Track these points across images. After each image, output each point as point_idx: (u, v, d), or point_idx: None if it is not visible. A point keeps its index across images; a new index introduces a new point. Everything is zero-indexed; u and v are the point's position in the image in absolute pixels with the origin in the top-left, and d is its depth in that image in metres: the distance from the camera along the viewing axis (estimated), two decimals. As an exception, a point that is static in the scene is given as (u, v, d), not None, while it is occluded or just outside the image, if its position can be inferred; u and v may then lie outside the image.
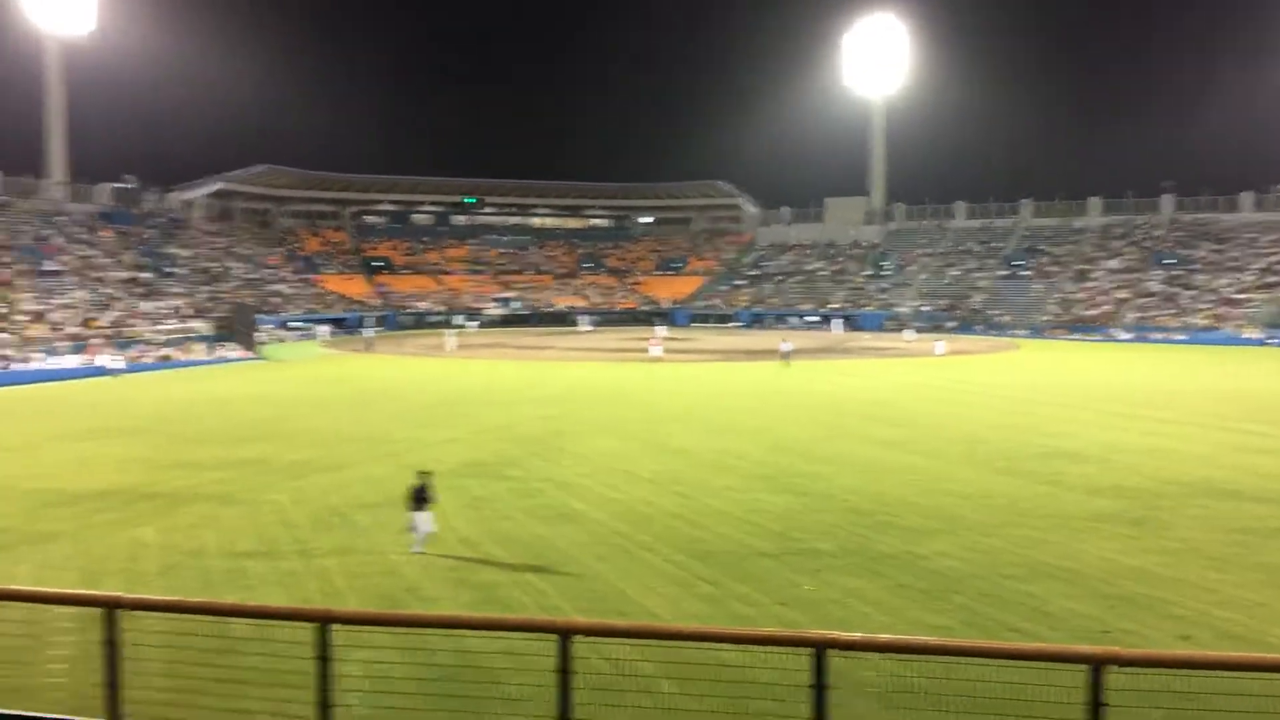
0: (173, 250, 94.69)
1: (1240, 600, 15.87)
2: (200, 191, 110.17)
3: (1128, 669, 7.45)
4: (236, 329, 75.28)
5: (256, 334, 76.07)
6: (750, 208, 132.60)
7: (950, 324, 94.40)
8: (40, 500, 23.70)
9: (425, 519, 19.12)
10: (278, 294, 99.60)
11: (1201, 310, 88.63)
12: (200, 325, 77.08)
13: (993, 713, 7.59)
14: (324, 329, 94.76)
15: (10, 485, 25.64)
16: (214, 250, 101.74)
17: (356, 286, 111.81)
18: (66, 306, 71.14)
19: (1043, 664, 7.89)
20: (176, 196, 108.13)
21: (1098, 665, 7.28)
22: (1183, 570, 17.55)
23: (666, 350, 69.22)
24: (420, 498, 19.07)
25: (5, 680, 9.53)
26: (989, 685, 7.71)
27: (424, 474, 19.55)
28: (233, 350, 71.04)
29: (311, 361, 70.19)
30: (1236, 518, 21.23)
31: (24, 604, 9.53)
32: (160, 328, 73.27)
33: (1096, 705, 7.19)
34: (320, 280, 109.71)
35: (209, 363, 67.19)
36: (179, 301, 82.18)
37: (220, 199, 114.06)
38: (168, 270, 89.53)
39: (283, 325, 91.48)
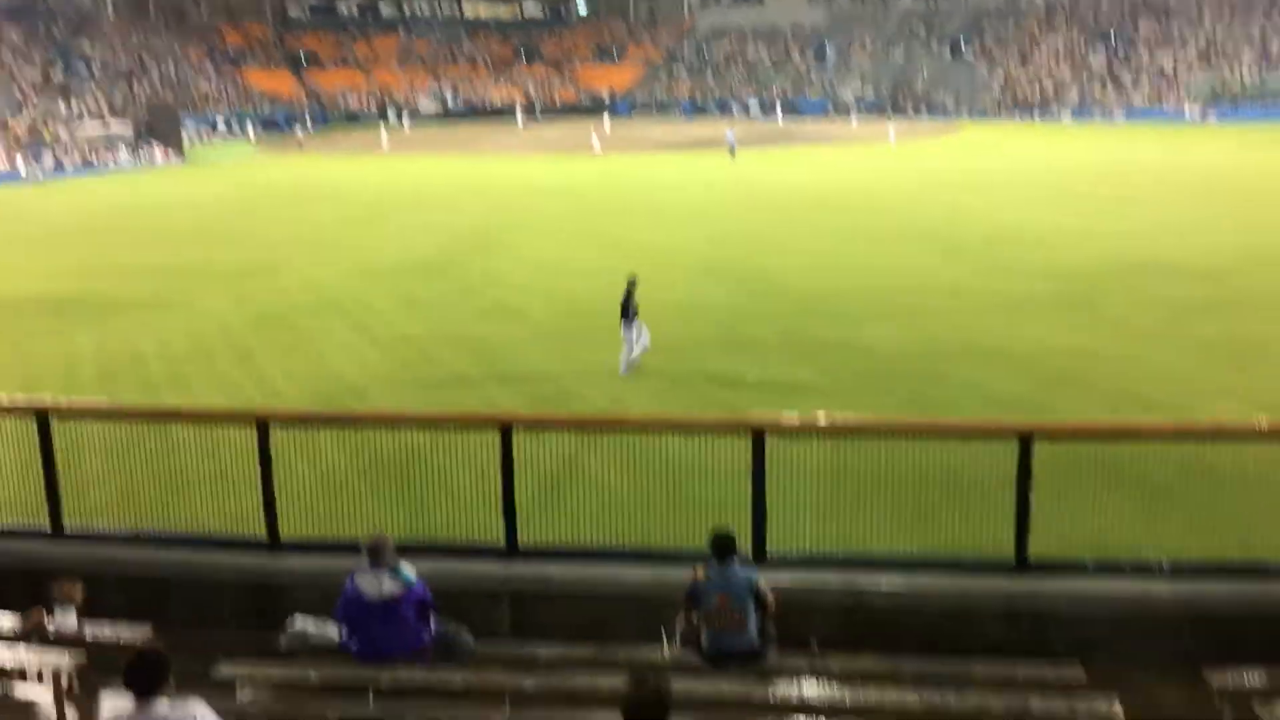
0: (84, 47, 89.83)
1: (1168, 374, 16.37)
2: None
3: (1055, 441, 7.66)
4: (160, 130, 72.34)
5: (181, 135, 73.25)
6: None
7: (891, 108, 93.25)
8: (-32, 311, 23.16)
9: (634, 334, 17.13)
10: (200, 92, 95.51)
11: (1143, 87, 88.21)
12: (121, 127, 73.94)
13: (929, 487, 7.82)
14: (252, 128, 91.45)
15: (-65, 297, 24.98)
16: (128, 46, 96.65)
17: (283, 83, 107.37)
18: (-23, 111, 67.78)
19: (974, 439, 8.11)
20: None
21: (1026, 439, 7.47)
22: (1115, 347, 18.00)
23: (608, 143, 67.89)
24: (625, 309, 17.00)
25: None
26: (923, 462, 7.92)
27: (630, 281, 17.36)
28: (158, 153, 68.53)
29: (242, 163, 68.05)
30: (1170, 294, 21.68)
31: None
32: (79, 131, 70.22)
33: (1025, 476, 7.42)
34: (245, 76, 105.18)
35: (134, 166, 64.87)
36: (96, 102, 78.54)
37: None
38: (81, 69, 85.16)
39: (209, 125, 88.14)
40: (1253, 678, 6.54)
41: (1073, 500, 7.94)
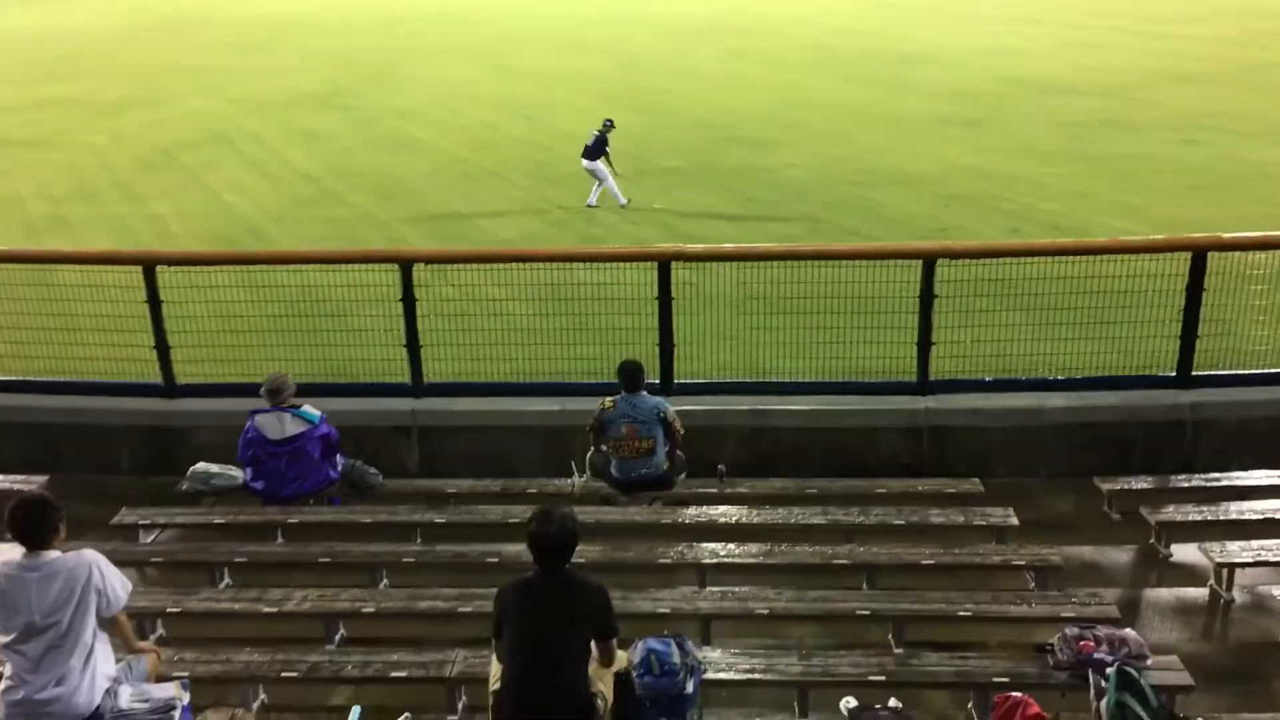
0: None
1: (1066, 192, 16.61)
2: None
3: (956, 260, 7.72)
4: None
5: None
6: None
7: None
8: None
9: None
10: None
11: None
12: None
13: (834, 310, 7.85)
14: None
15: None
16: None
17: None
18: None
19: (881, 262, 8.12)
20: None
21: (930, 260, 7.51)
22: (1015, 167, 18.17)
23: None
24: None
25: None
26: (830, 286, 7.93)
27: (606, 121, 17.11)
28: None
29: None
30: (1068, 112, 21.84)
31: None
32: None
33: (928, 297, 7.49)
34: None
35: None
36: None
37: None
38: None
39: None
40: (1140, 483, 6.85)
41: (972, 319, 8.07)
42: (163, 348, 7.91)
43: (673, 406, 6.91)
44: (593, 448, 7.02)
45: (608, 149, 16.80)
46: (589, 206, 16.68)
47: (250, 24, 41.41)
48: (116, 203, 17.74)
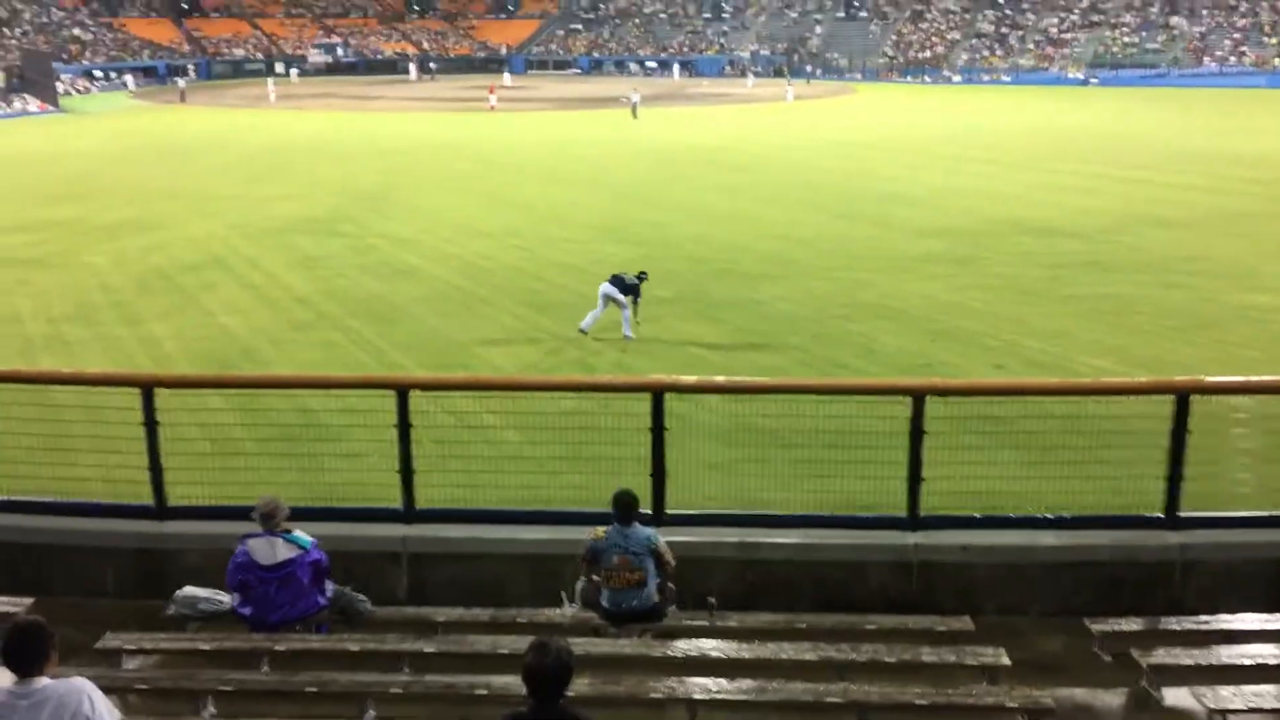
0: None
1: (1048, 330, 16.90)
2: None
3: (946, 397, 7.85)
4: (32, 79, 69.02)
5: (55, 84, 70.00)
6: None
7: (787, 68, 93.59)
8: None
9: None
10: (75, 40, 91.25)
11: (1029, 50, 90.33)
12: (-11, 75, 70.33)
13: (824, 445, 7.94)
14: (131, 78, 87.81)
15: None
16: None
17: (164, 31, 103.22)
18: None
19: (869, 397, 8.26)
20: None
21: (919, 396, 7.64)
22: (998, 305, 18.53)
23: (504, 99, 66.96)
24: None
25: None
26: (820, 420, 8.04)
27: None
28: (30, 103, 65.41)
29: (120, 114, 65.38)
30: (1051, 254, 22.36)
31: None
32: (-57, 78, 66.58)
33: (918, 433, 7.59)
34: (122, 24, 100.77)
35: (4, 116, 61.83)
36: (-38, 49, 74.49)
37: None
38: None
39: (85, 75, 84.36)
40: (1130, 624, 6.85)
41: (961, 455, 8.16)
42: (156, 469, 7.94)
43: (664, 538, 6.94)
44: (584, 578, 7.02)
45: (639, 297, 16.87)
46: (581, 331, 16.82)
47: (253, 153, 42.39)
48: (114, 324, 17.90)
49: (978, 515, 7.84)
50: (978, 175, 34.00)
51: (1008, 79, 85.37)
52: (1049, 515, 7.75)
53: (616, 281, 16.88)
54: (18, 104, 64.80)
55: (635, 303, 16.94)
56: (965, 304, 18.57)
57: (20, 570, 7.89)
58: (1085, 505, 7.85)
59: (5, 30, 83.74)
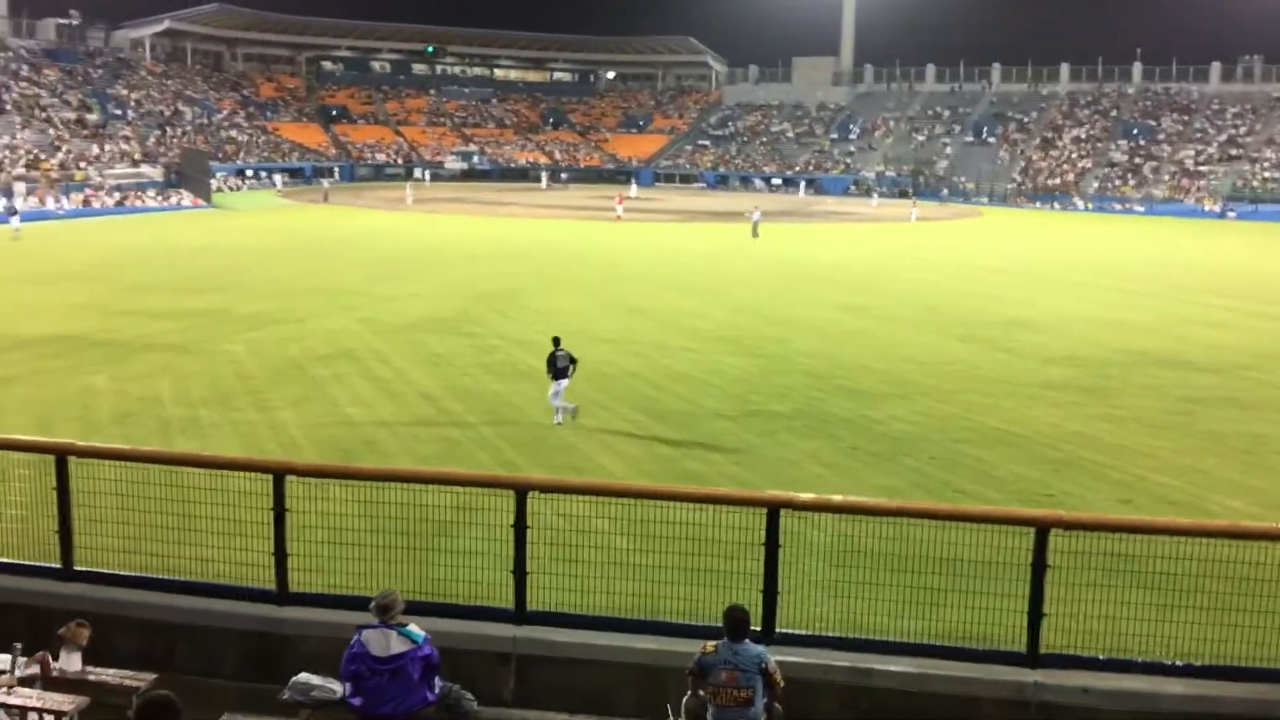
0: (121, 91, 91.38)
1: (1179, 466, 16.30)
2: (148, 30, 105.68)
3: (1070, 531, 7.63)
4: (189, 176, 73.47)
5: (210, 181, 74.30)
6: (717, 65, 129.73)
7: (912, 190, 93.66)
8: (-9, 345, 23.38)
9: (557, 390, 18.23)
10: (231, 140, 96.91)
11: (1163, 181, 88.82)
12: (151, 170, 75.09)
13: (940, 572, 7.78)
14: (279, 178, 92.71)
15: (-41, 330, 25.24)
16: (164, 93, 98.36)
17: (313, 135, 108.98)
18: (11, 147, 68.84)
19: (989, 526, 8.07)
20: (124, 35, 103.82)
21: (1044, 528, 7.44)
22: (1127, 437, 17.96)
23: (630, 210, 68.51)
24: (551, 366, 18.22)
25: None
26: (936, 546, 7.88)
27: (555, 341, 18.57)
28: (185, 197, 69.44)
29: (267, 211, 68.88)
30: (1182, 387, 21.67)
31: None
32: (110, 172, 71.29)
33: (1041, 566, 7.38)
34: (275, 128, 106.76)
35: (161, 209, 65.71)
36: (128, 145, 79.76)
37: (169, 39, 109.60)
38: (116, 112, 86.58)
39: (237, 173, 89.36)
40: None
41: (1085, 591, 7.89)
42: (281, 555, 8.17)
43: (774, 657, 6.83)
44: (690, 692, 6.93)
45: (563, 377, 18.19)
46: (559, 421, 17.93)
47: (388, 253, 44.10)
48: (247, 409, 18.64)
49: (1101, 657, 7.53)
50: (1106, 303, 33.31)
51: (1140, 209, 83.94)
52: (1178, 663, 7.40)
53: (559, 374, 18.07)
54: (175, 198, 68.82)
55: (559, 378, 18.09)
56: (1091, 434, 18.07)
57: (145, 646, 8.15)
58: (1217, 654, 7.48)
59: (169, 129, 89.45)
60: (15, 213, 47.37)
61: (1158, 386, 21.77)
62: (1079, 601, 7.76)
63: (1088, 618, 7.66)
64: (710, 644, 6.81)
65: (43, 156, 68.88)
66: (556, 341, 18.48)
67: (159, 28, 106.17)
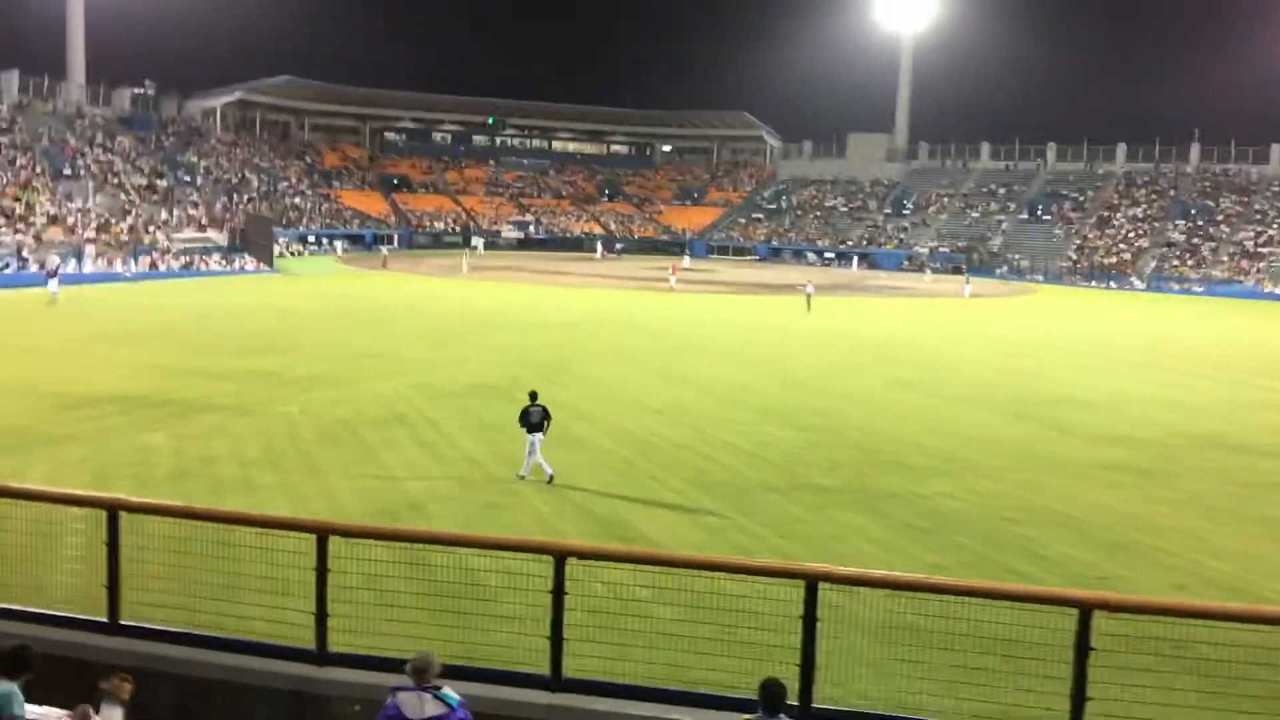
0: (191, 159, 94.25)
1: (1236, 552, 15.92)
2: (220, 100, 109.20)
3: (1116, 614, 7.49)
4: (253, 241, 75.31)
5: (273, 247, 76.08)
6: (772, 140, 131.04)
7: (966, 266, 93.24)
8: (57, 402, 23.97)
9: (532, 444, 18.73)
10: (295, 207, 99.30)
11: (1222, 262, 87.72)
12: (217, 235, 77.11)
13: (981, 651, 7.66)
14: (340, 244, 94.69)
15: (30, 386, 25.90)
16: (232, 161, 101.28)
17: (374, 203, 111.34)
18: (84, 211, 71.09)
19: (1033, 606, 7.95)
20: (196, 105, 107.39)
21: (1086, 609, 7.33)
22: (1182, 520, 17.60)
23: (683, 280, 68.96)
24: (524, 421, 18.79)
25: (15, 577, 9.68)
26: (979, 624, 7.78)
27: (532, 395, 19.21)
28: (249, 262, 71.11)
29: (327, 276, 70.25)
30: (1241, 471, 21.23)
31: (36, 503, 9.68)
32: (177, 236, 73.29)
33: (1084, 649, 7.25)
34: (338, 195, 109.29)
35: (224, 273, 67.30)
36: (196, 211, 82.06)
37: (240, 109, 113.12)
38: (185, 179, 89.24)
39: (300, 239, 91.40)
40: None
41: (1132, 676, 7.73)
42: (321, 615, 8.24)
43: (809, 733, 6.75)
44: (723, 766, 6.86)
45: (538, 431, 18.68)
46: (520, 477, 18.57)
47: (443, 320, 44.73)
48: (298, 471, 18.90)
49: (1148, 744, 7.35)
50: (1164, 384, 32.80)
51: (1199, 289, 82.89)
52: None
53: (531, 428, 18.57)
54: (238, 262, 70.48)
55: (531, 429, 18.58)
56: (1146, 517, 17.72)
57: (183, 701, 8.24)
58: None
59: (236, 195, 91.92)
60: (54, 276, 48.67)
61: (1216, 470, 21.34)
62: (1126, 685, 7.60)
63: (1134, 703, 7.49)
64: (745, 717, 6.76)
65: (113, 220, 70.98)
66: (533, 396, 19.06)
67: (230, 98, 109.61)
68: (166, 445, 20.38)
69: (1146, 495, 19.17)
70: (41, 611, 8.99)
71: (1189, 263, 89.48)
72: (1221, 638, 7.64)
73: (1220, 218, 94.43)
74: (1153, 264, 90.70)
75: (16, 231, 62.82)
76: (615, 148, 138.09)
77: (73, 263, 60.00)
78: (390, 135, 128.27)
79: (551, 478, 18.54)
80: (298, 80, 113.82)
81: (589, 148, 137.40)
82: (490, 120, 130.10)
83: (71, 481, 17.08)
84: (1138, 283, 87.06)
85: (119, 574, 8.77)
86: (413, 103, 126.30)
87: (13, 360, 30.21)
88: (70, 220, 68.24)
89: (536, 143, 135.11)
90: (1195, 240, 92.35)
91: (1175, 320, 58.71)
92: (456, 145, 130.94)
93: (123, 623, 8.76)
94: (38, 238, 63.16)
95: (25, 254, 58.46)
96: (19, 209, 66.58)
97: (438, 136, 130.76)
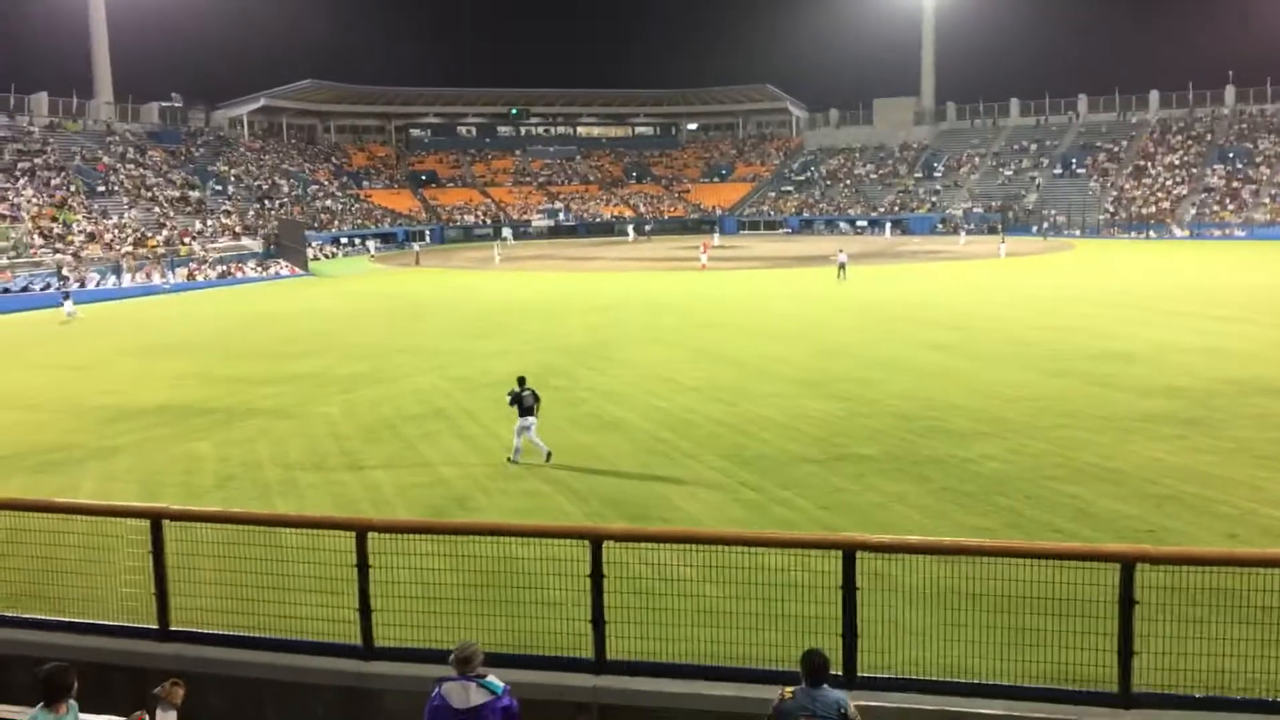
0: (221, 168, 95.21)
1: (1291, 499, 15.66)
2: (245, 109, 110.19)
3: (1160, 566, 7.40)
4: (286, 245, 75.97)
5: (306, 250, 76.71)
6: (798, 111, 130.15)
7: (1002, 225, 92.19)
8: (104, 415, 24.36)
9: (521, 427, 19.23)
10: (326, 210, 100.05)
11: (1264, 204, 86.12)
12: (251, 242, 77.88)
13: (1025, 611, 7.60)
14: (372, 244, 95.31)
15: (77, 401, 26.36)
16: (261, 167, 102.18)
17: (403, 200, 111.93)
18: (120, 226, 72.02)
19: (1077, 562, 7.87)
20: (222, 114, 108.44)
21: (1128, 563, 7.25)
22: (1232, 469, 17.34)
23: (715, 258, 68.75)
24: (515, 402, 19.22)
25: (70, 589, 9.86)
26: (1023, 585, 7.71)
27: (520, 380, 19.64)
28: (283, 267, 71.75)
29: (361, 276, 70.74)
30: (1291, 416, 20.86)
31: (88, 516, 9.85)
32: (212, 245, 74.09)
33: (1128, 602, 7.17)
34: (367, 195, 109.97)
35: (261, 279, 67.96)
36: (229, 219, 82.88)
37: (266, 115, 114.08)
38: (217, 188, 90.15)
39: (332, 241, 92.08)
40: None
41: (1184, 628, 7.64)
42: (365, 610, 8.33)
43: (855, 702, 6.73)
44: (769, 738, 6.85)
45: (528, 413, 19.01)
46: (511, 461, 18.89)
47: (477, 313, 44.91)
48: (341, 470, 19.09)
49: (1197, 695, 7.26)
50: (1208, 332, 32.30)
51: (1241, 234, 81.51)
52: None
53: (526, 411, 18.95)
54: (273, 268, 71.15)
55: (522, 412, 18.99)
56: (1194, 468, 17.48)
57: (233, 701, 8.36)
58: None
59: (267, 202, 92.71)
60: (68, 296, 49.32)
61: (1264, 416, 21.00)
62: (1176, 638, 7.51)
63: (1185, 654, 7.41)
64: (789, 690, 6.74)
65: (149, 234, 71.86)
66: (521, 381, 19.43)
67: (255, 105, 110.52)
68: (211, 452, 20.65)
69: (1193, 445, 18.90)
70: (93, 622, 9.16)
71: (1229, 207, 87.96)
72: (1275, 585, 7.52)
73: (1260, 160, 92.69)
74: (1192, 211, 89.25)
75: (56, 251, 63.78)
76: (640, 129, 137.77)
77: (111, 278, 60.83)
78: (415, 131, 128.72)
79: (549, 455, 18.92)
80: (320, 83, 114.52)
81: (613, 131, 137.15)
82: (514, 110, 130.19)
83: (120, 493, 17.37)
84: (1178, 231, 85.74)
85: (166, 581, 8.90)
86: (435, 97, 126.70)
87: (59, 377, 30.72)
88: (108, 236, 69.18)
89: (561, 129, 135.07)
90: (1235, 184, 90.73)
91: (1217, 267, 57.76)
92: (481, 137, 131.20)
93: (172, 629, 8.90)
94: (76, 255, 64.10)
95: (65, 272, 59.31)
96: (57, 228, 67.59)
97: (462, 130, 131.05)
